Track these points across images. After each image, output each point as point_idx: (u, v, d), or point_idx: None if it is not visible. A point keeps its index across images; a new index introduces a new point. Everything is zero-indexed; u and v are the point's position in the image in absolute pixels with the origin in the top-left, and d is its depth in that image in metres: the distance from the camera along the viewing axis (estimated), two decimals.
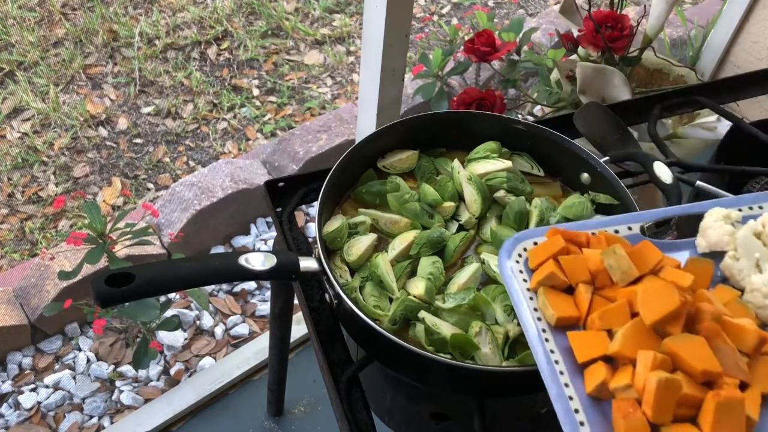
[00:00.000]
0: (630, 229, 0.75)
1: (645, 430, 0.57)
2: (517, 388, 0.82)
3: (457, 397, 0.86)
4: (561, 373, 0.61)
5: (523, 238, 0.71)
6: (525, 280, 0.68)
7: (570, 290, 0.67)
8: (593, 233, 0.72)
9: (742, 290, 0.71)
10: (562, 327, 0.65)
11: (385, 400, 0.97)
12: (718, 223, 0.75)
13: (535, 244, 0.70)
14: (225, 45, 2.44)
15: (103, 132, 2.13)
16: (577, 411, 0.59)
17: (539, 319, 0.65)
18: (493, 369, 0.76)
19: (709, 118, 1.30)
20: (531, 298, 0.66)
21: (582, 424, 0.59)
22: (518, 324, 0.80)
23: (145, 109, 2.21)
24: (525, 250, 0.70)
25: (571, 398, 0.60)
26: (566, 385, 0.61)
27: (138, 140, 2.12)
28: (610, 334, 0.63)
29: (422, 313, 0.79)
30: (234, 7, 2.55)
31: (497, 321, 0.80)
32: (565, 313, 0.65)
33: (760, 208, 0.79)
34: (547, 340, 0.63)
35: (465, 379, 0.78)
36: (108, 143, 2.10)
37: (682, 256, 0.74)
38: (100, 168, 2.03)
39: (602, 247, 0.68)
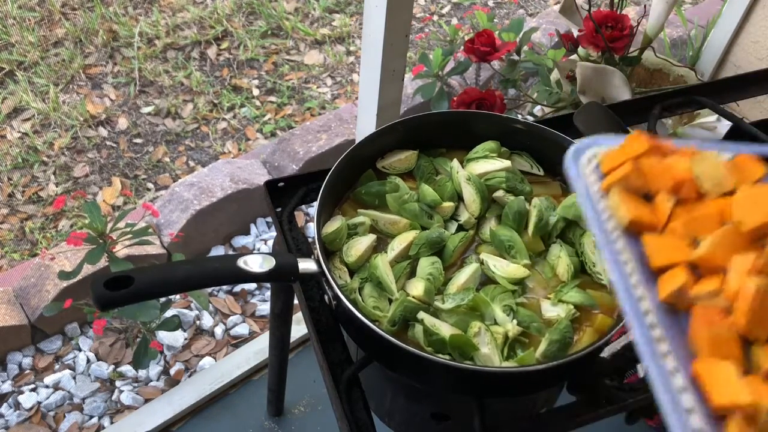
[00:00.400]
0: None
1: (734, 343, 0.49)
2: (516, 388, 0.82)
3: (457, 397, 0.86)
4: (630, 274, 0.53)
5: (598, 142, 0.62)
6: (595, 182, 0.59)
7: (647, 200, 0.58)
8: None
9: None
10: (634, 232, 0.56)
11: (385, 400, 0.97)
12: None
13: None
14: (225, 45, 2.44)
15: (103, 132, 2.13)
16: (647, 313, 0.51)
17: (609, 219, 0.57)
18: (492, 370, 0.76)
19: (709, 118, 1.30)
20: (601, 198, 0.58)
21: (653, 327, 0.50)
22: (517, 324, 0.80)
23: (145, 109, 2.21)
24: (595, 156, 0.61)
25: (641, 300, 0.52)
26: (635, 287, 0.53)
27: (138, 140, 2.12)
28: (694, 244, 0.54)
29: (421, 314, 0.79)
30: (234, 7, 2.55)
31: (496, 321, 0.81)
32: (641, 216, 0.56)
33: None
34: (616, 242, 0.55)
35: (464, 380, 0.78)
36: (108, 143, 2.10)
37: None
38: (100, 168, 2.03)
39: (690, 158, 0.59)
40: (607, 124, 1.03)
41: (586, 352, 0.75)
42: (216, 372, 1.58)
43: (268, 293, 1.78)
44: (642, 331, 0.50)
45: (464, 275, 0.84)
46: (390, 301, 0.83)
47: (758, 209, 0.52)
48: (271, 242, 1.85)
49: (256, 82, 2.34)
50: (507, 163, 0.94)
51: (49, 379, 1.57)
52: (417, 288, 0.82)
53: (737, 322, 0.49)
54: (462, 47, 1.56)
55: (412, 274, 0.86)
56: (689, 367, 0.49)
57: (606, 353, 0.87)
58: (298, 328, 1.59)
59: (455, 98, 1.47)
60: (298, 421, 1.54)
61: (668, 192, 0.57)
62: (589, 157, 0.61)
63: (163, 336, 1.63)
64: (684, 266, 0.53)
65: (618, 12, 1.49)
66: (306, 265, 0.80)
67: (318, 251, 0.81)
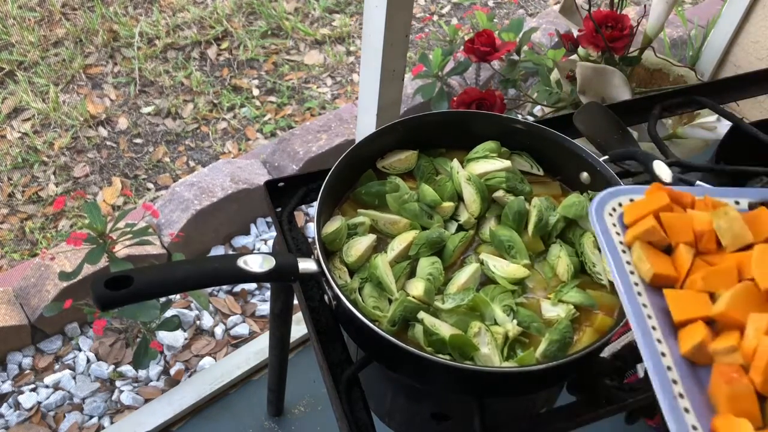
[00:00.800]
0: (737, 203, 0.66)
1: (751, 399, 0.51)
2: (516, 388, 0.82)
3: (457, 397, 0.86)
4: (654, 328, 0.55)
5: (619, 193, 0.66)
6: (618, 233, 0.62)
7: (668, 252, 0.61)
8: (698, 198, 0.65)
9: None
10: (657, 285, 0.58)
11: (385, 400, 0.97)
12: None
13: (632, 201, 0.65)
14: (225, 45, 2.44)
15: (103, 132, 2.13)
16: (669, 368, 0.53)
17: (632, 272, 0.59)
18: (492, 370, 0.76)
19: (708, 118, 1.30)
20: (624, 252, 0.60)
21: (675, 382, 0.52)
22: (517, 324, 0.80)
23: (145, 109, 2.21)
24: (620, 205, 0.65)
25: (663, 354, 0.54)
26: (659, 341, 0.55)
27: (138, 140, 2.12)
28: (713, 298, 0.56)
29: (421, 314, 0.79)
30: (234, 7, 2.55)
31: (496, 321, 0.81)
32: (663, 270, 0.58)
33: None
34: (639, 294, 0.57)
35: (464, 380, 0.78)
36: (108, 143, 2.10)
37: None
38: (100, 168, 2.03)
39: (709, 210, 0.61)
40: (607, 125, 1.03)
41: (586, 352, 0.75)
42: (216, 372, 1.58)
43: (268, 293, 1.78)
44: (664, 387, 0.52)
45: (464, 275, 0.84)
46: (390, 301, 0.83)
47: None
48: (271, 242, 1.85)
49: (256, 82, 2.34)
50: (507, 163, 0.94)
51: (49, 379, 1.57)
52: (417, 288, 0.82)
53: (754, 380, 0.51)
54: (462, 47, 1.56)
55: (412, 274, 0.86)
56: (708, 423, 0.50)
57: (606, 353, 0.87)
58: (298, 328, 1.59)
59: (455, 98, 1.47)
60: (298, 421, 1.54)
61: (688, 244, 0.60)
62: (612, 208, 0.64)
63: (163, 336, 1.63)
64: (703, 322, 0.54)
65: (618, 12, 1.49)
66: (306, 265, 0.80)
67: (318, 251, 0.81)
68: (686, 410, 0.51)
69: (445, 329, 0.78)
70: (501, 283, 0.84)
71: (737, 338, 0.53)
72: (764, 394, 0.51)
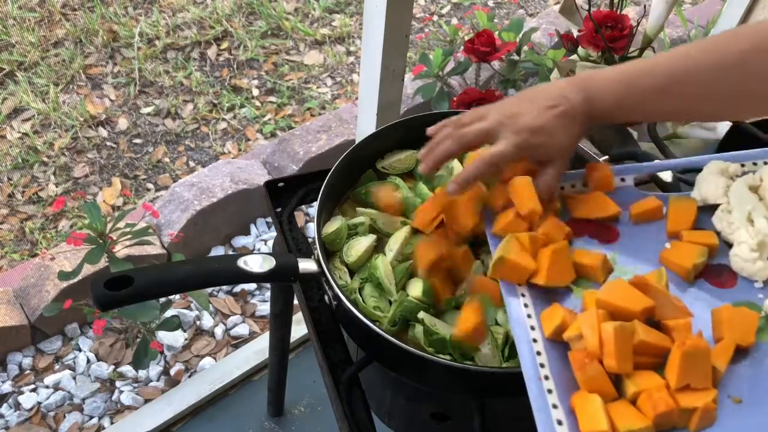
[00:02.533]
0: (623, 180, 0.80)
1: (604, 379, 0.60)
2: (517, 388, 0.82)
3: (457, 397, 0.86)
4: (529, 316, 0.67)
5: None
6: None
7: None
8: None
9: (731, 245, 0.71)
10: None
11: (385, 400, 0.97)
12: (713, 176, 0.74)
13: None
14: (225, 45, 2.44)
15: (103, 132, 2.13)
16: (539, 353, 0.64)
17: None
18: (492, 370, 0.75)
19: None
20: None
21: (542, 365, 0.62)
22: None
23: (145, 110, 2.21)
24: None
25: (535, 341, 0.65)
26: (532, 327, 0.67)
27: (138, 140, 2.12)
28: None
29: (421, 314, 0.79)
30: (234, 7, 2.55)
31: (497, 321, 0.80)
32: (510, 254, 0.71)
33: (765, 163, 0.78)
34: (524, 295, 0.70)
35: (465, 380, 0.78)
36: (108, 143, 2.10)
37: None
38: (100, 168, 2.03)
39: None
40: (608, 124, 1.03)
41: None
42: (216, 372, 1.58)
43: (268, 293, 1.78)
44: (532, 372, 0.62)
45: None
46: (390, 302, 0.83)
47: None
48: (271, 242, 1.85)
49: (256, 82, 2.34)
50: None
51: (49, 380, 1.57)
52: (416, 288, 0.82)
53: (608, 364, 0.59)
54: (462, 47, 1.55)
55: (413, 274, 0.86)
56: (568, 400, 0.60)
57: None
58: (298, 328, 1.59)
59: (455, 98, 1.47)
60: (298, 421, 1.54)
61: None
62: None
63: (163, 336, 1.63)
64: (558, 304, 0.67)
65: (618, 12, 1.49)
66: (306, 265, 0.80)
67: (318, 251, 0.81)
68: (549, 391, 0.60)
69: (445, 329, 0.77)
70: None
71: (579, 327, 0.63)
72: (619, 373, 0.60)
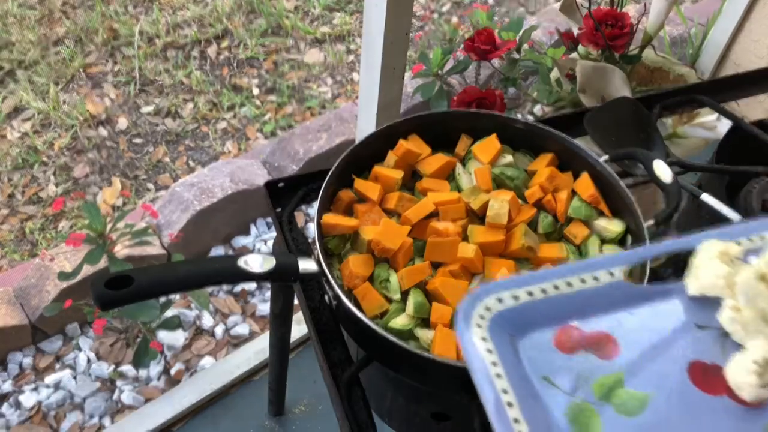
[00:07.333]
0: (612, 275, 0.63)
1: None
2: None
3: (458, 397, 0.86)
4: None
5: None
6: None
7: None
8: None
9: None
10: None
11: (385, 400, 0.97)
12: (713, 261, 0.62)
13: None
14: (225, 44, 2.44)
15: (103, 132, 2.13)
16: None
17: None
18: None
19: (709, 117, 1.29)
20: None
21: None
22: None
23: (145, 109, 2.21)
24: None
25: None
26: None
27: (138, 140, 2.12)
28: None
29: (417, 331, 0.79)
30: (234, 5, 2.55)
31: None
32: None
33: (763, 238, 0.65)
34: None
35: (466, 380, 0.77)
36: (108, 143, 2.10)
37: (673, 305, 0.63)
38: (100, 168, 2.03)
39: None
40: (632, 121, 1.02)
41: None
42: (216, 372, 1.58)
43: (268, 293, 1.78)
44: None
45: None
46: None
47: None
48: (271, 242, 1.85)
49: (256, 81, 2.34)
50: (508, 158, 0.94)
51: (49, 379, 1.57)
52: (408, 307, 0.81)
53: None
54: (462, 46, 1.55)
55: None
56: None
57: None
58: (299, 328, 1.59)
59: (455, 97, 1.47)
60: (298, 421, 1.54)
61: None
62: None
63: (164, 336, 1.63)
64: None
65: (618, 10, 1.49)
66: (306, 265, 0.80)
67: (318, 251, 0.81)
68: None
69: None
70: None
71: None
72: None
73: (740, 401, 0.57)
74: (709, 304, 0.62)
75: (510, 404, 0.53)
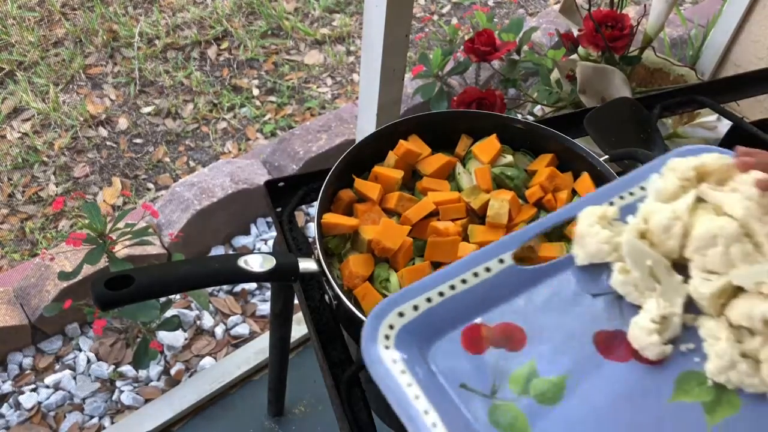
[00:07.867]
0: (502, 261, 0.63)
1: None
2: None
3: None
4: None
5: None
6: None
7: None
8: None
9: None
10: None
11: (385, 400, 0.97)
12: (594, 228, 0.62)
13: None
14: (225, 45, 2.44)
15: (103, 132, 2.13)
16: None
17: None
18: None
19: (709, 117, 1.30)
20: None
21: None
22: None
23: (145, 109, 2.21)
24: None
25: None
26: None
27: (138, 140, 2.12)
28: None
29: None
30: (234, 7, 2.55)
31: None
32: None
33: (642, 189, 0.66)
34: None
35: None
36: (108, 143, 2.10)
37: (566, 279, 0.62)
38: (100, 168, 2.03)
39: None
40: (632, 122, 1.02)
41: None
42: (216, 372, 1.58)
43: (268, 293, 1.78)
44: None
45: None
46: None
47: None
48: (271, 242, 1.85)
49: (256, 82, 2.34)
50: (509, 158, 0.94)
51: (49, 380, 1.57)
52: None
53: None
54: (462, 47, 1.55)
55: None
56: None
57: None
58: (299, 328, 1.59)
59: (455, 98, 1.47)
60: (298, 421, 1.54)
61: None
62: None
63: (163, 336, 1.63)
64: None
65: (618, 11, 1.49)
66: (306, 264, 0.80)
67: (318, 251, 0.81)
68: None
69: None
70: None
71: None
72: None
73: (647, 361, 0.57)
74: (599, 270, 0.62)
75: (435, 425, 0.51)
